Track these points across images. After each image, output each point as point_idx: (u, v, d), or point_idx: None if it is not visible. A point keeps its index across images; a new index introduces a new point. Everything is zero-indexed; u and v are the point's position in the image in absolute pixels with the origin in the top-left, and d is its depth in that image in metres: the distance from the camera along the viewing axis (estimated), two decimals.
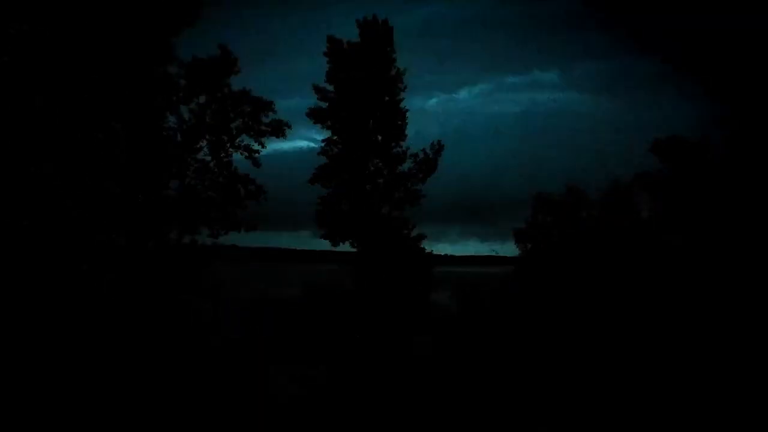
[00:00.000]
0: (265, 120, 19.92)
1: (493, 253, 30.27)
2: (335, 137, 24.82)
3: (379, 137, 25.04)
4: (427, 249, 25.63)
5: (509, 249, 29.66)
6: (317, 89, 24.58)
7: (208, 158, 19.56)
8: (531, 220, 28.76)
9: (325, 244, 26.04)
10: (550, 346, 21.08)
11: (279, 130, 20.15)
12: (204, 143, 19.34)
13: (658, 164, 27.37)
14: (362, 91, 24.52)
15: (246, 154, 19.91)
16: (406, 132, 25.27)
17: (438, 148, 25.04)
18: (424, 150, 24.96)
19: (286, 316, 25.60)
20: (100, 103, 17.55)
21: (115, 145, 18.23)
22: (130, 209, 18.44)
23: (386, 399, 17.10)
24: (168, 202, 19.07)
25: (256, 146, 19.90)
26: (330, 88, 24.62)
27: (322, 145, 24.97)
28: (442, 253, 29.59)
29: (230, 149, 19.72)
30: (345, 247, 25.76)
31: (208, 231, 19.42)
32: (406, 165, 25.10)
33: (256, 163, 20.07)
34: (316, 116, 24.63)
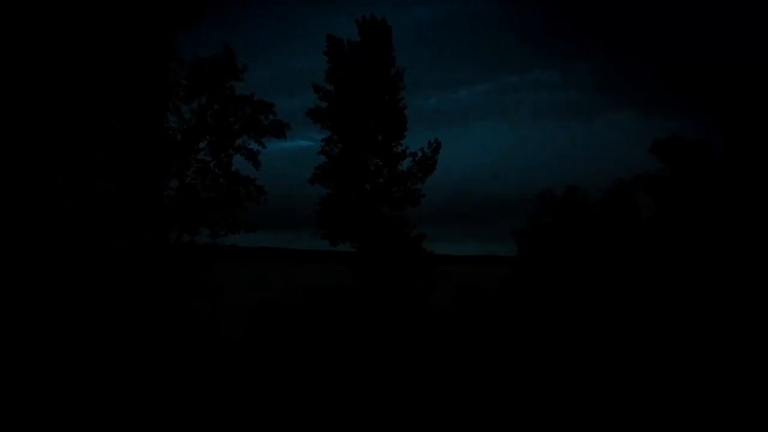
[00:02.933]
0: (265, 122, 19.84)
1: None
2: (335, 137, 24.73)
3: (379, 137, 24.97)
4: (428, 249, 25.57)
5: (508, 249, 29.63)
6: (317, 88, 24.39)
7: (208, 159, 19.46)
8: (532, 220, 28.74)
9: (325, 244, 25.98)
10: (552, 345, 21.01)
11: (279, 131, 20.05)
12: (204, 143, 19.23)
13: (658, 164, 27.44)
14: (362, 90, 24.39)
15: (246, 154, 19.78)
16: (406, 131, 25.19)
17: (436, 146, 24.98)
18: (422, 149, 24.89)
19: (285, 317, 25.50)
20: (98, 102, 17.45)
21: (113, 145, 18.11)
22: (129, 209, 18.32)
23: (385, 400, 17.04)
24: (167, 202, 18.95)
25: (255, 146, 19.80)
26: (330, 87, 24.48)
27: (322, 144, 24.92)
28: (442, 253, 29.31)
29: (231, 151, 19.59)
30: (346, 247, 25.73)
31: (208, 231, 19.31)
32: (406, 164, 25.03)
33: (257, 164, 19.96)
34: (315, 116, 24.51)
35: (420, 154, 24.88)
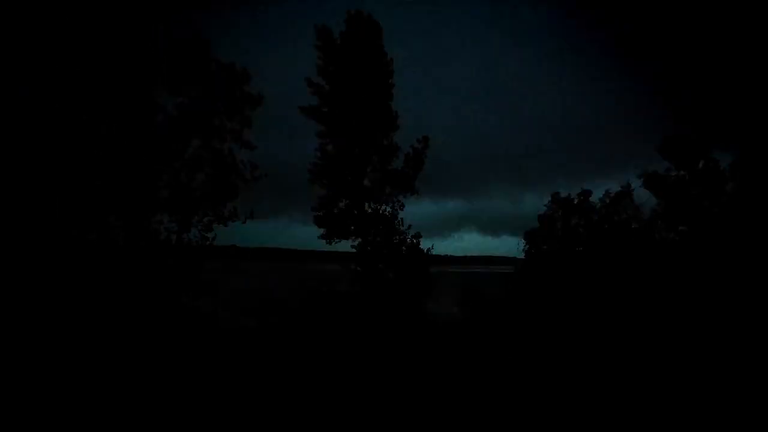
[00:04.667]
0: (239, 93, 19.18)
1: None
2: (329, 132, 24.42)
3: (374, 132, 24.68)
4: (426, 247, 25.33)
5: (506, 248, 29.59)
6: (310, 83, 24.05)
7: (198, 147, 19.03)
8: (544, 219, 28.76)
9: (324, 244, 25.71)
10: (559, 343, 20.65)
11: (252, 100, 19.32)
12: (192, 132, 18.82)
13: (665, 164, 27.27)
14: (355, 84, 24.11)
15: (232, 137, 19.23)
16: (397, 125, 24.93)
17: (424, 142, 24.80)
18: (412, 145, 24.73)
19: (285, 316, 25.32)
20: (80, 96, 17.21)
21: (98, 138, 17.84)
22: (118, 204, 18.04)
23: (384, 401, 16.71)
24: (158, 194, 18.59)
25: (229, 124, 19.22)
26: (322, 82, 24.11)
27: (318, 141, 24.56)
28: (442, 254, 29.13)
29: (217, 141, 19.14)
30: (343, 246, 25.50)
31: (201, 224, 18.86)
32: (399, 160, 24.81)
33: (248, 145, 19.42)
34: (309, 112, 24.23)
35: (410, 149, 24.74)
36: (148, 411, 14.79)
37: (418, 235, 25.09)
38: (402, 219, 25.06)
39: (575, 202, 27.68)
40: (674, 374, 17.59)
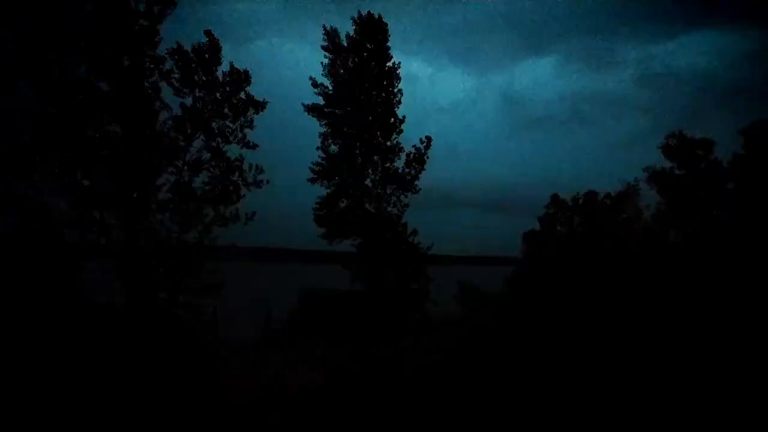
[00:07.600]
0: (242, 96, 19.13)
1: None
2: (332, 133, 24.47)
3: (377, 132, 24.74)
4: (423, 247, 25.37)
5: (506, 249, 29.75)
6: (315, 83, 24.19)
7: (203, 150, 18.94)
8: (545, 220, 28.92)
9: (324, 244, 25.72)
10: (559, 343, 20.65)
11: (256, 104, 19.28)
12: (197, 132, 18.72)
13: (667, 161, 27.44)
14: (359, 87, 24.25)
15: (237, 139, 19.16)
16: (402, 127, 25.14)
17: (427, 143, 24.94)
18: (415, 146, 24.93)
19: (286, 316, 25.34)
20: (88, 97, 17.09)
21: (105, 139, 17.71)
22: (123, 205, 17.90)
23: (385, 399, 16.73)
24: (161, 196, 18.49)
25: (232, 125, 19.11)
26: (327, 82, 24.29)
27: (320, 140, 24.63)
28: (441, 253, 29.11)
29: (221, 140, 19.05)
30: (343, 246, 25.52)
31: (201, 224, 18.76)
32: (401, 161, 25.01)
33: (249, 145, 19.35)
34: (313, 110, 24.27)
35: (413, 150, 24.89)
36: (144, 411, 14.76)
37: (413, 233, 25.27)
38: (404, 219, 25.17)
39: (579, 202, 27.89)
40: (676, 375, 17.62)
